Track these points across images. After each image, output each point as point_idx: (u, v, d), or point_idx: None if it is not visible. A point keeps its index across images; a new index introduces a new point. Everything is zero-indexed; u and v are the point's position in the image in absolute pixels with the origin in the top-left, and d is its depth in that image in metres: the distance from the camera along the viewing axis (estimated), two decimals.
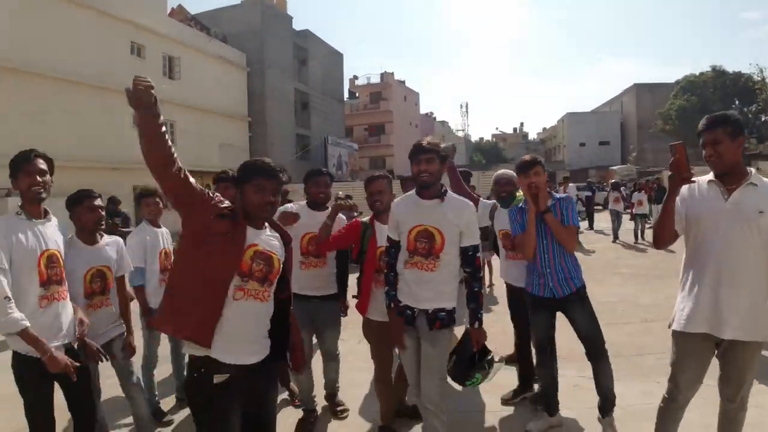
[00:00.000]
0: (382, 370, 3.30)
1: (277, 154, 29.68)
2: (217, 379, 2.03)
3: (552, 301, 3.21)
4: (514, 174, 3.61)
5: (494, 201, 4.06)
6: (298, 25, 35.10)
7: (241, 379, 2.08)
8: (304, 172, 3.78)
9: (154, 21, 22.81)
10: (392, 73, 51.19)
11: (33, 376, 2.50)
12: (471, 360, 2.88)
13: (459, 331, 2.98)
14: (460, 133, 77.67)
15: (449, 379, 2.98)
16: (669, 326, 2.60)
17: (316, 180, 3.60)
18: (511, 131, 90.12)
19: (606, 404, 3.18)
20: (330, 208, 3.42)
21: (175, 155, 1.98)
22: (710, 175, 2.48)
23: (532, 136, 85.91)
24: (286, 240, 2.36)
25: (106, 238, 3.16)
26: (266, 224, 2.29)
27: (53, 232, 2.68)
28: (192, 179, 2.06)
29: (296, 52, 34.46)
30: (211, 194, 2.14)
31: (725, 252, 2.37)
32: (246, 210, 2.17)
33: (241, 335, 2.11)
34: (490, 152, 71.63)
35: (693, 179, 2.39)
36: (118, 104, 20.39)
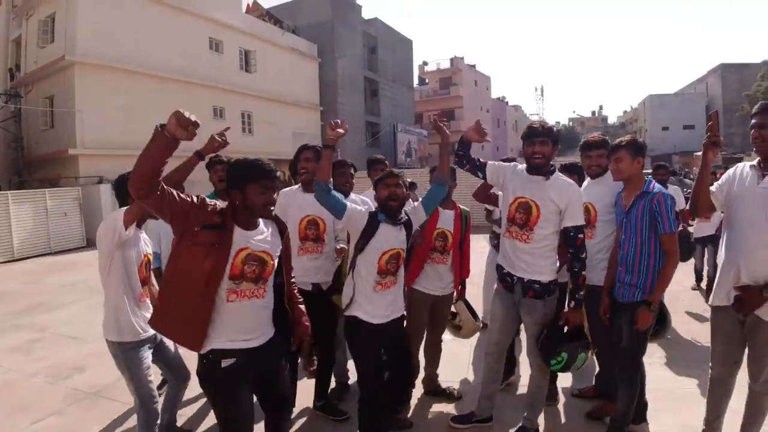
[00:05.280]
0: (418, 338, 3.49)
1: (348, 141, 30.23)
2: (225, 363, 2.15)
3: (615, 303, 2.91)
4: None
5: None
6: (367, 14, 35.43)
7: (247, 360, 2.19)
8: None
9: (230, 17, 23.87)
10: (462, 58, 50.29)
11: None
12: (560, 337, 2.90)
13: None
14: (535, 117, 75.34)
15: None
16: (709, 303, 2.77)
17: (342, 171, 3.62)
18: (589, 114, 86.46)
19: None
20: None
21: (161, 177, 2.00)
22: (755, 161, 2.57)
23: (612, 119, 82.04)
24: (281, 229, 2.43)
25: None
26: (259, 221, 2.31)
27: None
28: (173, 194, 2.04)
29: (366, 40, 34.75)
30: (199, 204, 2.13)
31: (748, 233, 2.46)
32: (248, 210, 2.20)
33: (239, 329, 2.20)
34: (566, 137, 69.06)
35: (721, 146, 2.54)
36: (201, 97, 21.77)
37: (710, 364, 2.71)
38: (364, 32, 34.36)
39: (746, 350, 2.57)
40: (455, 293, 3.61)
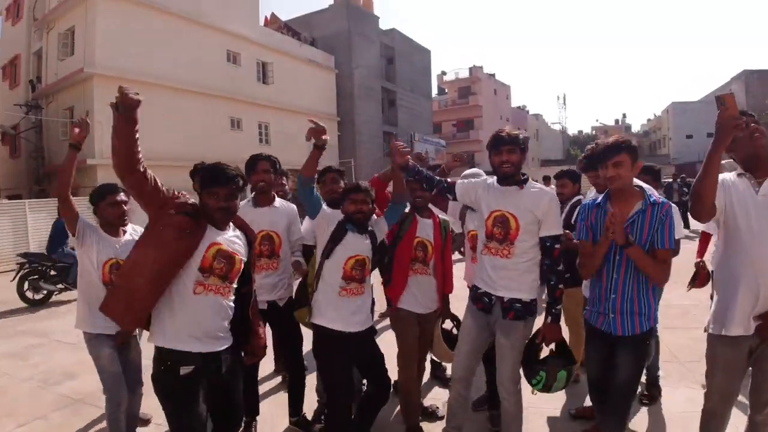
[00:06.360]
0: (408, 363, 3.25)
1: (364, 151, 30.40)
2: (184, 371, 2.15)
3: (608, 336, 2.51)
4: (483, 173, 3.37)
5: None
6: (385, 24, 35.65)
7: (204, 369, 2.21)
8: None
9: (248, 30, 24.25)
10: (481, 67, 50.39)
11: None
12: (536, 356, 2.76)
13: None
14: (557, 126, 74.84)
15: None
16: (705, 330, 2.47)
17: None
18: (612, 123, 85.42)
19: None
20: None
21: (141, 156, 2.10)
22: (738, 170, 2.38)
23: (636, 128, 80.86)
24: (249, 238, 2.48)
25: (130, 232, 3.20)
26: (231, 225, 2.41)
27: None
28: (155, 180, 2.17)
29: (383, 51, 34.95)
30: (175, 194, 2.25)
31: (762, 247, 2.22)
32: (205, 213, 2.27)
33: (202, 327, 2.22)
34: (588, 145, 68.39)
35: (744, 129, 2.13)
36: (217, 108, 22.10)
37: (704, 395, 2.48)
38: (382, 43, 34.56)
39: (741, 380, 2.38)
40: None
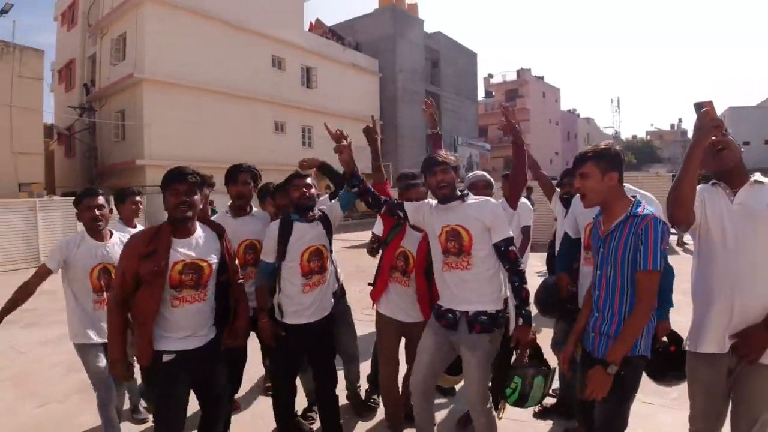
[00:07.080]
0: (387, 366, 3.24)
1: (408, 155, 30.31)
2: (166, 357, 2.36)
3: (589, 356, 2.27)
4: (488, 177, 3.53)
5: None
6: (430, 28, 35.47)
7: (186, 360, 2.39)
8: None
9: (292, 35, 24.78)
10: (529, 70, 49.56)
11: None
12: (509, 362, 2.72)
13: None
14: (609, 131, 72.48)
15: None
16: (682, 347, 2.42)
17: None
18: (668, 127, 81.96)
19: None
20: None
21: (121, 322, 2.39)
22: (711, 181, 2.30)
23: (692, 133, 77.20)
24: (219, 233, 2.60)
25: (117, 236, 3.17)
26: (197, 228, 2.50)
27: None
28: (123, 284, 2.34)
29: (428, 54, 34.88)
30: (132, 253, 2.36)
31: (737, 259, 2.12)
32: (169, 216, 2.40)
33: (183, 330, 2.40)
34: (642, 151, 65.88)
35: (722, 130, 2.11)
36: (263, 112, 22.55)
37: (688, 418, 2.33)
38: (426, 46, 34.50)
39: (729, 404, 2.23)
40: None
